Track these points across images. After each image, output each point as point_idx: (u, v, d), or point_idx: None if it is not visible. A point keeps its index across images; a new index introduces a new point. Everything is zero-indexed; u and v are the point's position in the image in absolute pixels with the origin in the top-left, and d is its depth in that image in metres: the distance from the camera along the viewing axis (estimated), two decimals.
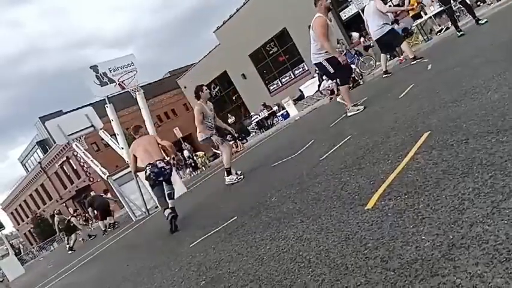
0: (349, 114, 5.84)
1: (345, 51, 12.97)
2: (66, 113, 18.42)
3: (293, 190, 3.24)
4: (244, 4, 21.70)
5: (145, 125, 11.44)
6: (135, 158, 5.35)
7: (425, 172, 2.06)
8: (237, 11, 22.22)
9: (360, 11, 14.32)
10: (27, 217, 51.67)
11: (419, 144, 2.56)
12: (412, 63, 7.94)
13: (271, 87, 23.25)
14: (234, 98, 25.91)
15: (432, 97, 3.89)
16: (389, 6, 14.34)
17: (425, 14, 12.94)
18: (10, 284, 10.73)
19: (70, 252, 13.67)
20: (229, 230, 3.23)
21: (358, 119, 5.32)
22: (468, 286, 1.09)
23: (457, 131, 2.44)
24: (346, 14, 18.49)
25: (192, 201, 7.95)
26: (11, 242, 38.38)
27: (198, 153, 21.51)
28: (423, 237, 1.46)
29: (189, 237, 3.88)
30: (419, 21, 13.21)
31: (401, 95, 5.03)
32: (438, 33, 12.61)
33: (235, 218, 3.50)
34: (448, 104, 3.22)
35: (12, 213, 56.53)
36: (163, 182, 5.08)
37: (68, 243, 14.25)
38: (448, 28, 12.26)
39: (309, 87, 18.24)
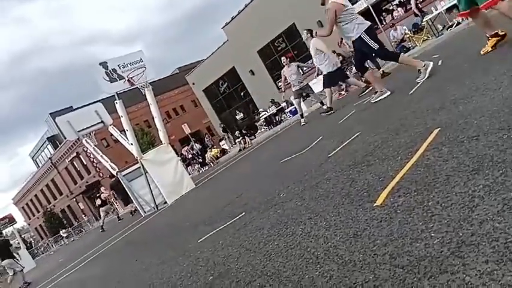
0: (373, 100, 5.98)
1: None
2: (76, 109, 18.62)
3: (301, 186, 3.24)
4: (252, 0, 21.63)
5: (154, 121, 11.53)
6: None
7: (435, 169, 2.04)
8: (246, 6, 22.16)
9: (370, 6, 14.20)
10: (38, 212, 52.38)
11: (429, 141, 2.54)
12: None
13: (280, 84, 23.18)
14: (242, 94, 25.90)
15: (442, 93, 3.85)
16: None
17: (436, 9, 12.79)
18: (24, 275, 10.93)
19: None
20: (237, 225, 3.25)
21: (367, 115, 5.29)
22: (477, 284, 1.08)
23: (467, 127, 2.41)
24: (355, 9, 18.34)
25: (200, 197, 7.99)
26: (22, 236, 38.98)
27: (213, 149, 21.67)
28: (432, 234, 1.45)
29: (197, 233, 3.90)
30: (429, 16, 13.06)
31: (411, 91, 4.99)
32: (449, 29, 12.45)
33: (243, 214, 3.52)
34: (458, 101, 3.19)
35: (23, 207, 57.35)
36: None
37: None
38: (459, 23, 12.10)
39: (318, 84, 18.14)
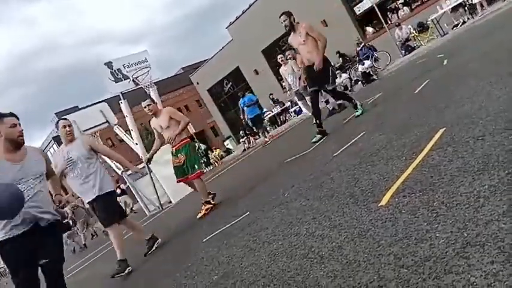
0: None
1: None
2: (81, 109, 18.70)
3: (306, 186, 3.24)
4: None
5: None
6: None
7: (440, 169, 2.04)
8: (250, 6, 22.16)
9: (375, 6, 14.15)
10: None
11: (434, 141, 2.53)
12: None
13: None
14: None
15: (447, 93, 3.83)
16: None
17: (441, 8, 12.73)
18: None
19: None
20: (242, 225, 3.25)
21: (372, 115, 5.27)
22: (483, 284, 1.08)
23: (473, 127, 2.40)
24: (360, 8, 18.25)
25: None
26: None
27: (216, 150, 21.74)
28: (437, 235, 1.45)
29: (201, 233, 3.91)
30: (435, 15, 13.00)
31: (416, 91, 4.97)
32: (454, 28, 12.39)
33: (248, 213, 3.52)
34: (463, 100, 3.18)
35: None
36: None
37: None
38: (464, 22, 12.03)
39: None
